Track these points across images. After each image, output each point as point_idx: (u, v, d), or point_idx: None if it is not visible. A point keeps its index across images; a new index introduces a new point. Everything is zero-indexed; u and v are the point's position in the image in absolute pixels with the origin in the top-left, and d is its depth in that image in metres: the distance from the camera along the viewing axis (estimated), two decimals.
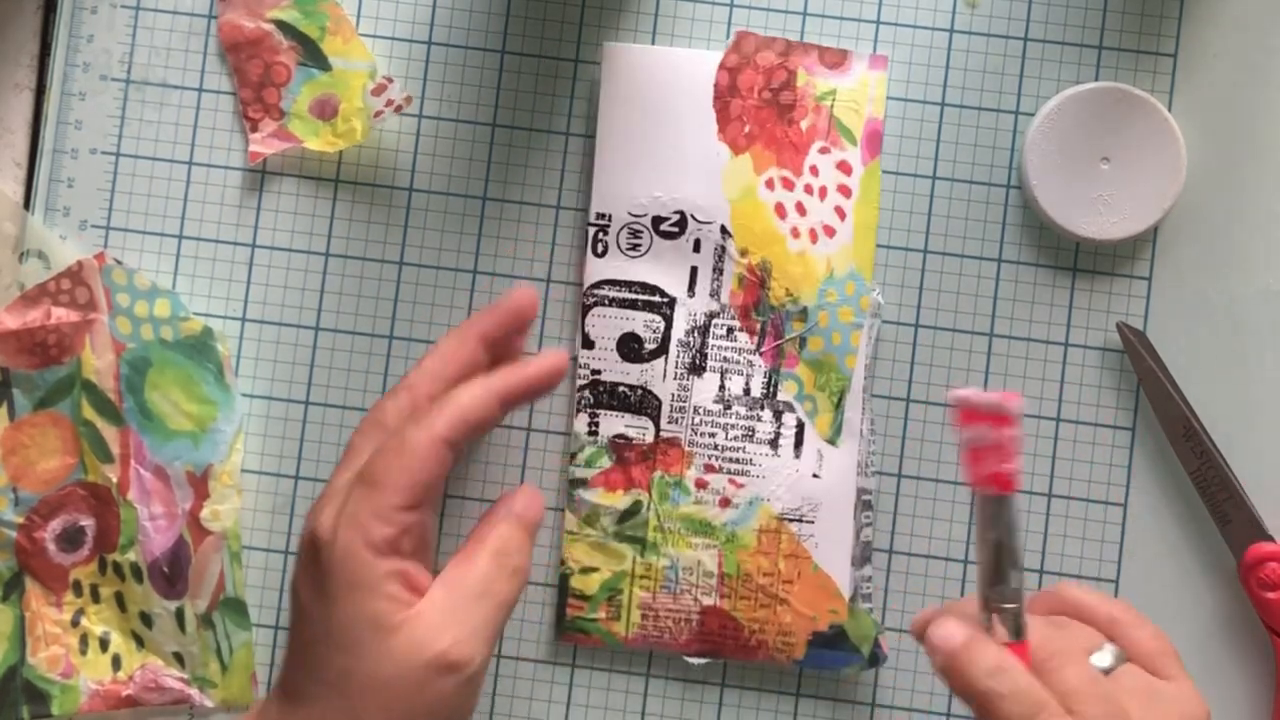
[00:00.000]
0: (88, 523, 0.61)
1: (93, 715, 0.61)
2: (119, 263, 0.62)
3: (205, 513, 0.61)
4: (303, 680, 0.51)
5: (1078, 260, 0.62)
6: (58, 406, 0.61)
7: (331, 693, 0.50)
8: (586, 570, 0.61)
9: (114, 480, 0.61)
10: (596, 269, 0.61)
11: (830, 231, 0.61)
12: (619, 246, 0.61)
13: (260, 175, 0.63)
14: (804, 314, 0.61)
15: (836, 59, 0.62)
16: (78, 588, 0.61)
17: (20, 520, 0.61)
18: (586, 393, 0.61)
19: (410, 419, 0.53)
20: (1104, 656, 0.49)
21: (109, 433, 0.61)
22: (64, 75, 0.63)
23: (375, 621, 0.50)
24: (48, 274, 0.62)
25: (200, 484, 0.61)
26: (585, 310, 0.61)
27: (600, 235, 0.61)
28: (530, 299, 0.57)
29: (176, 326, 0.61)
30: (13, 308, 0.61)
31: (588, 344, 0.61)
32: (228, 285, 0.62)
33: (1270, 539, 0.60)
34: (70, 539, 0.61)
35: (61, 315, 0.61)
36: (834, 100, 0.61)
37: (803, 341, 0.61)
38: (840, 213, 0.61)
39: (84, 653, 0.61)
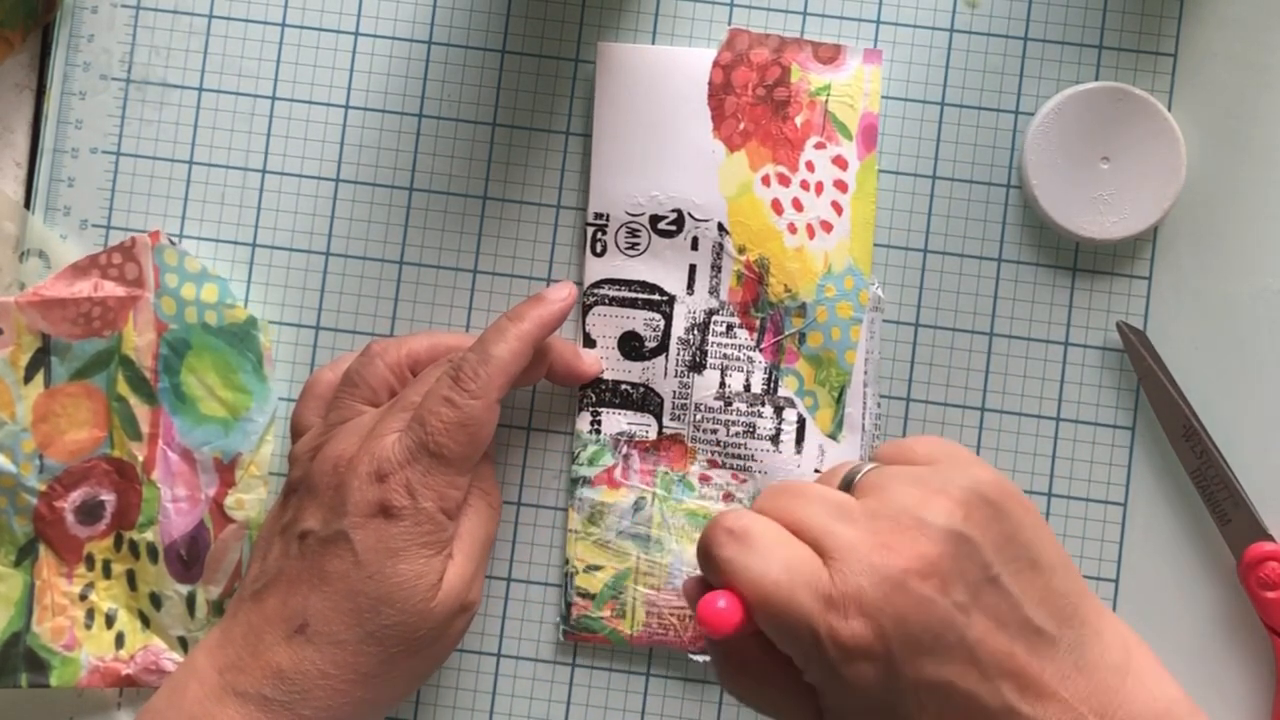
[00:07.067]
0: (109, 498, 0.61)
1: (89, 690, 0.62)
2: (173, 243, 0.62)
3: (230, 500, 0.61)
4: (335, 625, 0.53)
5: (1078, 260, 0.62)
6: (93, 379, 0.61)
7: (369, 640, 0.53)
8: (591, 569, 0.61)
9: (140, 458, 0.61)
10: (596, 268, 0.62)
11: (827, 227, 0.61)
12: (618, 246, 0.61)
13: (260, 175, 0.63)
14: (803, 310, 0.61)
15: (831, 54, 0.62)
16: (90, 561, 0.61)
17: (42, 488, 0.61)
18: (589, 391, 0.61)
19: (454, 384, 0.55)
20: (862, 469, 0.48)
21: (141, 411, 0.61)
22: (64, 75, 0.63)
23: (430, 580, 0.54)
24: (48, 273, 0.62)
25: (227, 471, 0.61)
26: (586, 310, 0.61)
27: (599, 235, 0.62)
28: (573, 296, 0.59)
29: (221, 312, 0.61)
30: (62, 276, 0.61)
31: (589, 343, 0.61)
32: (229, 285, 0.62)
33: (1270, 538, 0.60)
34: (89, 512, 0.61)
35: (109, 289, 0.61)
36: (829, 95, 0.61)
37: (802, 337, 0.61)
38: (837, 208, 0.61)
39: (89, 627, 0.61)
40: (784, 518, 0.46)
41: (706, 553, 0.46)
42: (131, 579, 0.62)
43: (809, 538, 0.45)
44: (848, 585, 0.43)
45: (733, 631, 0.43)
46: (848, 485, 0.48)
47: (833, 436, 0.61)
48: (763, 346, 0.61)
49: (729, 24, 0.62)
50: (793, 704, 0.46)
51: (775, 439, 0.61)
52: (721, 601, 0.44)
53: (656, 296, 0.61)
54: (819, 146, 0.61)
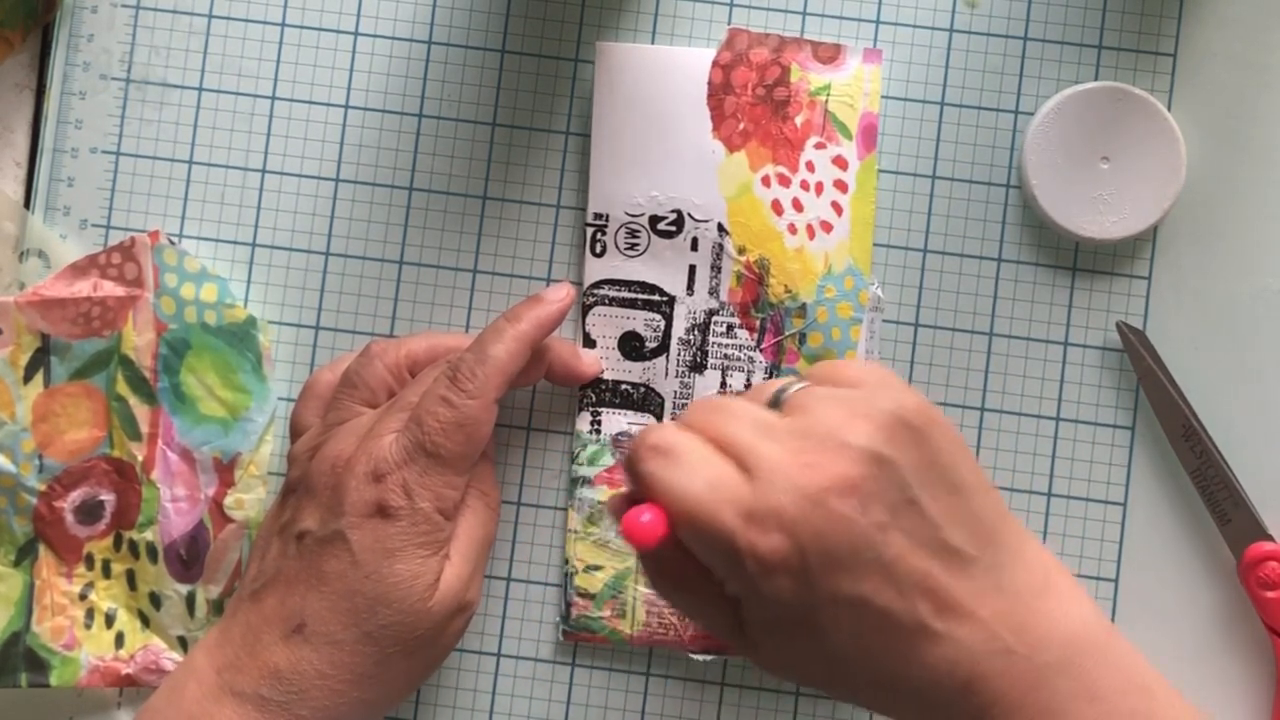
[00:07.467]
0: (108, 498, 0.62)
1: (89, 690, 0.62)
2: (172, 243, 0.62)
3: (229, 500, 0.61)
4: (333, 625, 0.53)
5: (1078, 260, 0.62)
6: (93, 379, 0.61)
7: (365, 640, 0.53)
8: (591, 568, 0.61)
9: (139, 458, 0.61)
10: (595, 269, 0.62)
11: (827, 227, 0.61)
12: (617, 246, 0.61)
13: (260, 175, 0.63)
14: (803, 310, 0.61)
15: (830, 54, 0.62)
16: (90, 561, 0.61)
17: (42, 488, 0.61)
18: (589, 391, 0.61)
19: (451, 384, 0.55)
20: (792, 386, 0.48)
21: (140, 411, 0.61)
22: (64, 74, 0.63)
23: (426, 580, 0.54)
24: (48, 273, 0.62)
25: (226, 471, 0.61)
26: (586, 310, 0.62)
27: (598, 235, 0.62)
28: (571, 297, 0.59)
29: (220, 312, 0.62)
30: (61, 276, 0.61)
31: (589, 343, 0.61)
32: (228, 285, 0.62)
33: (1270, 538, 0.60)
34: (89, 512, 0.61)
35: (109, 289, 0.61)
36: (828, 95, 0.61)
37: (802, 337, 0.61)
38: (837, 208, 0.61)
39: (89, 627, 0.61)
40: (709, 433, 0.46)
41: (632, 468, 0.46)
42: (131, 579, 0.62)
43: (733, 454, 0.45)
44: (769, 501, 0.44)
45: (655, 544, 0.44)
46: (776, 402, 0.48)
47: None
48: (763, 347, 0.61)
49: (729, 24, 0.62)
50: (714, 612, 0.47)
51: None
52: (646, 515, 0.44)
53: (656, 297, 0.61)
54: (819, 146, 0.61)
